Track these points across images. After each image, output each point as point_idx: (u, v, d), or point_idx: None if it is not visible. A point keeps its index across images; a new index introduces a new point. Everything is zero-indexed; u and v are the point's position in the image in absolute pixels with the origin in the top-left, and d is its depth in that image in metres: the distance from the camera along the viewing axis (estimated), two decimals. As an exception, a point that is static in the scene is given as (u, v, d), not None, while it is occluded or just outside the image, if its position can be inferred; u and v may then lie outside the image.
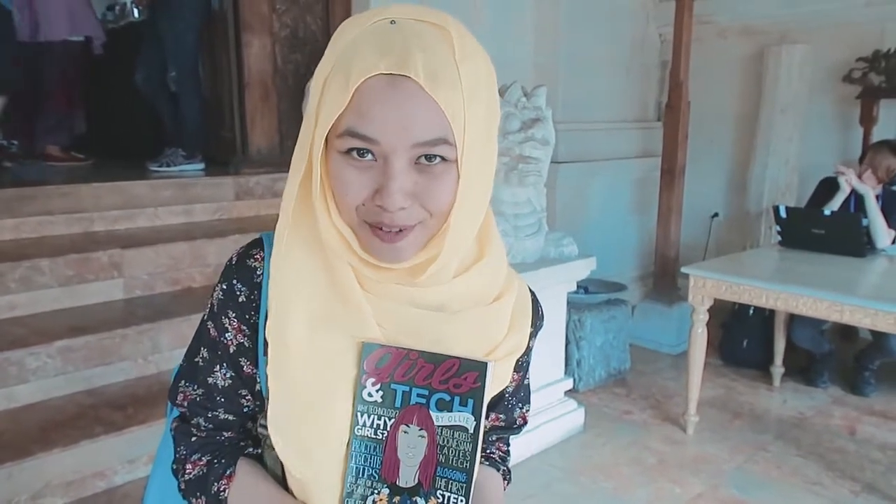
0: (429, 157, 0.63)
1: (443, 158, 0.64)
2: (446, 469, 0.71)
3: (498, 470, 0.89)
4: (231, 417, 0.78)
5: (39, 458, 1.85)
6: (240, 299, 0.75)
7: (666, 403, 3.19)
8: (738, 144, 4.30)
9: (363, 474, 0.72)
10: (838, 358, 3.39)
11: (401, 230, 0.65)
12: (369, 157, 0.63)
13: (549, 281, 2.61)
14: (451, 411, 0.70)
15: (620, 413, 3.10)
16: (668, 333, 3.84)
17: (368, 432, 0.71)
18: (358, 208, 0.65)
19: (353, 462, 0.72)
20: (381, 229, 0.65)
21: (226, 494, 0.76)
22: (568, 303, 2.93)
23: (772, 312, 3.33)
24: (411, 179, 0.63)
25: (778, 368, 3.37)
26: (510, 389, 0.87)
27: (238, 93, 3.37)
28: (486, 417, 0.89)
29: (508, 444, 0.94)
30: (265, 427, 0.75)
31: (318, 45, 3.44)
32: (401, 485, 0.71)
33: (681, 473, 2.59)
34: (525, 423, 0.92)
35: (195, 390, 0.78)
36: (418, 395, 0.70)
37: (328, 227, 0.68)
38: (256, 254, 0.76)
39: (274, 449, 0.73)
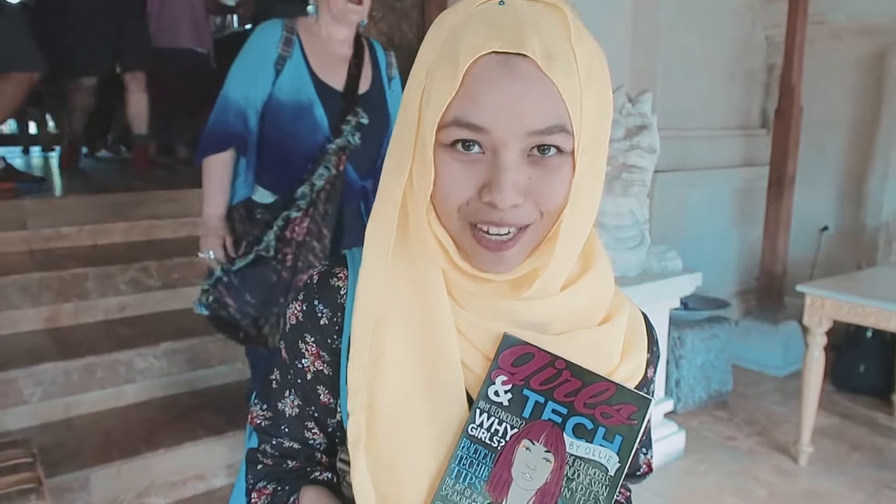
0: (542, 149, 0.58)
1: (558, 150, 0.58)
2: None
3: None
4: (296, 446, 0.73)
5: (146, 457, 1.89)
6: (321, 322, 0.69)
7: (773, 430, 2.97)
8: (853, 153, 4.00)
9: (463, 479, 0.62)
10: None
11: (508, 238, 0.59)
12: (476, 149, 0.58)
13: (651, 296, 2.48)
14: (591, 442, 0.61)
15: (723, 438, 2.91)
16: (773, 354, 3.60)
17: (483, 435, 0.62)
18: (461, 208, 0.59)
19: (456, 463, 0.62)
20: (486, 233, 0.59)
21: None
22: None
23: (893, 336, 3.06)
24: (524, 173, 0.58)
25: (901, 398, 3.09)
26: None
27: (334, 100, 3.40)
28: None
29: (630, 491, 0.85)
30: (344, 462, 0.68)
31: (413, 52, 3.37)
32: None
33: (794, 508, 2.40)
34: (650, 470, 0.82)
35: (264, 412, 0.75)
36: (553, 412, 0.62)
37: (426, 231, 0.62)
38: (340, 272, 0.70)
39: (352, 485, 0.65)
